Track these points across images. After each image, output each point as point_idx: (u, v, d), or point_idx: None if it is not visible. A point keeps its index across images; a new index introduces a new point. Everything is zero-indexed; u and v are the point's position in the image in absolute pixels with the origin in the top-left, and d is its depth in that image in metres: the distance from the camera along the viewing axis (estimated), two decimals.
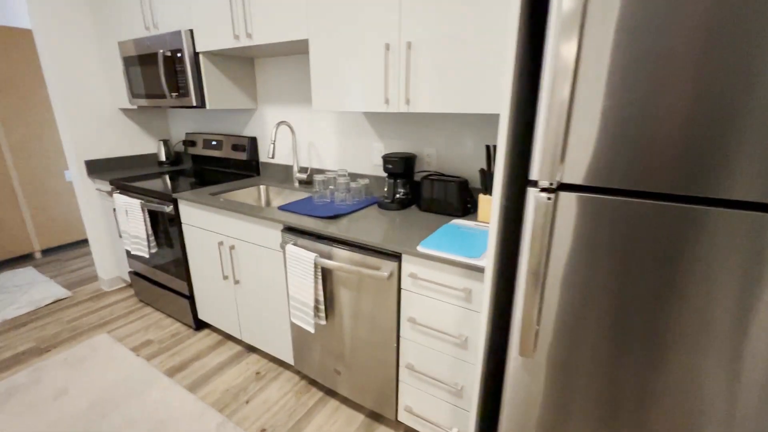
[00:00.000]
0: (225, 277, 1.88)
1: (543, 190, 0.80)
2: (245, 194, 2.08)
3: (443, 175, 1.63)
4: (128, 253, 2.39)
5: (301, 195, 2.03)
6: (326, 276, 1.46)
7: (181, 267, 2.06)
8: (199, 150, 2.56)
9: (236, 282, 1.84)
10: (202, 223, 1.86)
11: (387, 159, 1.63)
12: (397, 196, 1.67)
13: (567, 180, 0.78)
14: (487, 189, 1.44)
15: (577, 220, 0.80)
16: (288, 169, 2.25)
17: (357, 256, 1.35)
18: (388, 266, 1.27)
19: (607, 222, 0.77)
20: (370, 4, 1.32)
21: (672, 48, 0.65)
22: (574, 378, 0.89)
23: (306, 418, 1.60)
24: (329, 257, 1.41)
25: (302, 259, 1.41)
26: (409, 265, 1.24)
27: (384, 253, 1.29)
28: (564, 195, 0.79)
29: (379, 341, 1.40)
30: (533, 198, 0.81)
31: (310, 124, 2.08)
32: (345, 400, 1.69)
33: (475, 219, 1.51)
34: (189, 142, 2.61)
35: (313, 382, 1.80)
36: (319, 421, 1.58)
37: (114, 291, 2.66)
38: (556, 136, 0.75)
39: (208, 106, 1.99)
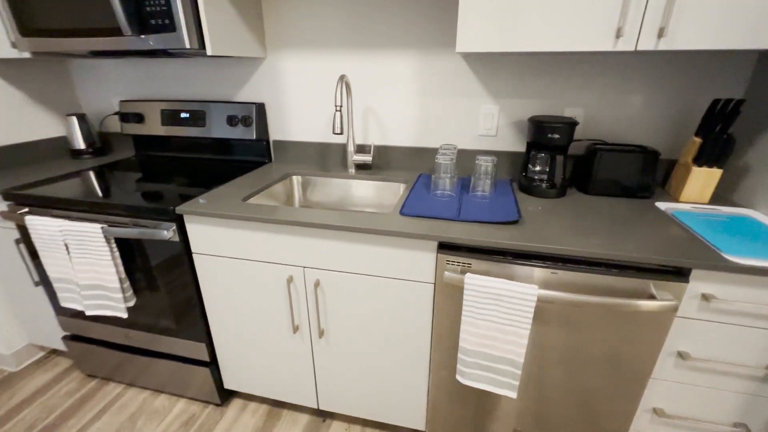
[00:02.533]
0: (296, 329, 1.19)
1: None
2: (269, 195, 1.34)
3: (617, 144, 1.21)
4: (60, 308, 1.42)
5: (368, 185, 1.40)
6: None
7: (188, 321, 1.27)
8: (151, 127, 1.62)
9: (321, 334, 1.18)
10: (239, 250, 1.12)
11: (548, 125, 1.13)
12: (552, 176, 1.21)
13: None
14: (706, 160, 1.08)
15: None
16: (319, 148, 1.55)
17: (591, 277, 0.88)
18: (664, 290, 0.84)
19: None
20: None
21: None
22: None
23: None
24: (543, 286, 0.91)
25: (505, 296, 0.88)
26: (701, 283, 0.83)
27: (660, 272, 0.85)
28: None
29: (613, 388, 0.99)
30: None
31: (371, 81, 1.41)
32: None
33: (673, 200, 1.15)
34: (129, 116, 1.63)
35: None
36: None
37: (30, 368, 1.63)
38: None
39: (209, 51, 1.16)
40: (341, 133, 1.23)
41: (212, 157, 1.63)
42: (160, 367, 1.41)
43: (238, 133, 1.53)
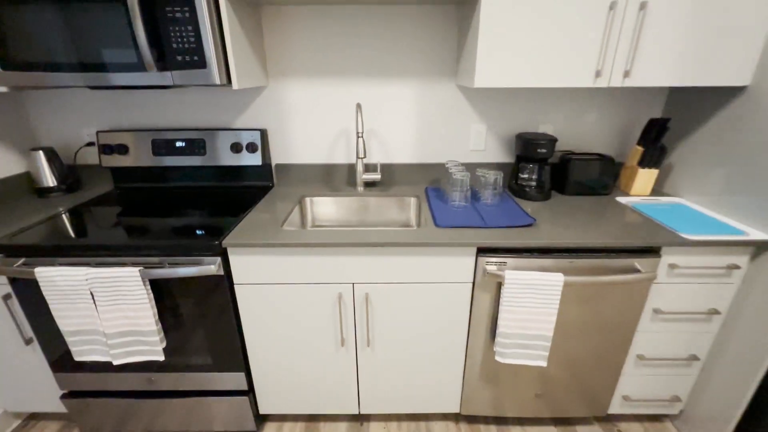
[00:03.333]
0: (342, 343, 1.28)
1: None
2: (291, 221, 1.40)
3: (582, 154, 1.52)
4: (58, 365, 1.29)
5: (381, 201, 1.53)
6: None
7: (227, 354, 1.27)
8: (139, 158, 1.53)
9: (368, 344, 1.28)
10: (283, 276, 1.17)
11: (535, 142, 1.39)
12: (541, 183, 1.47)
13: None
14: (647, 163, 1.44)
15: None
16: (322, 169, 1.63)
17: (593, 260, 1.15)
18: (649, 264, 1.14)
19: None
20: None
21: None
22: None
23: None
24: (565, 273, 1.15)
25: (539, 285, 1.10)
26: (669, 257, 1.15)
27: (639, 252, 1.14)
28: None
29: (609, 344, 1.27)
30: None
31: (374, 106, 1.54)
32: (523, 421, 1.50)
33: (625, 195, 1.50)
34: (110, 148, 1.52)
35: (473, 420, 1.50)
36: None
37: None
38: None
39: (235, 86, 1.19)
40: (364, 157, 1.34)
41: (213, 185, 1.60)
42: (184, 405, 1.36)
43: (242, 159, 1.53)
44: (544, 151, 1.40)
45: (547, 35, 1.12)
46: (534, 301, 1.12)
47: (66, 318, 1.13)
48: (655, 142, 1.42)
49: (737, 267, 1.15)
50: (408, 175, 1.64)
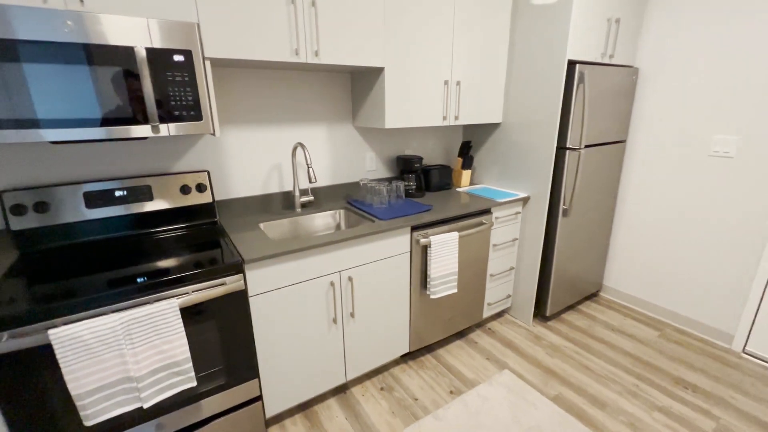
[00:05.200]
0: (333, 322, 1.66)
1: (573, 149, 2.09)
2: (262, 236, 1.69)
3: (432, 165, 2.41)
4: None
5: (314, 216, 1.99)
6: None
7: (241, 365, 1.44)
8: (65, 215, 1.44)
9: (351, 316, 1.71)
10: (292, 277, 1.50)
11: (412, 161, 2.18)
12: (419, 186, 2.27)
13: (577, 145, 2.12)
14: (465, 167, 2.45)
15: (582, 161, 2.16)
16: (260, 199, 1.93)
17: (468, 222, 2.00)
18: (489, 218, 2.07)
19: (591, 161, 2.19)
20: (431, 54, 1.88)
21: None
22: (576, 219, 2.32)
23: (458, 374, 2.04)
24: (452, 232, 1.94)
25: (448, 242, 1.85)
26: (495, 213, 2.12)
27: (484, 212, 2.06)
28: (583, 151, 2.13)
29: (479, 271, 2.16)
30: (567, 156, 2.08)
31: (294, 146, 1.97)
32: (447, 341, 2.22)
33: (457, 187, 2.48)
34: (23, 208, 1.37)
35: (412, 356, 2.11)
36: (463, 360, 2.08)
37: None
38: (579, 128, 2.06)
39: (218, 134, 1.43)
40: (315, 182, 1.77)
41: (161, 229, 1.62)
42: None
43: (192, 199, 1.66)
44: (418, 165, 2.20)
45: (420, 96, 1.91)
46: (447, 251, 1.86)
47: (85, 377, 1.09)
48: (467, 154, 2.45)
49: (519, 212, 2.24)
50: (328, 194, 2.13)
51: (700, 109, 2.10)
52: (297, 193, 1.93)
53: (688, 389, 1.86)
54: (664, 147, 2.29)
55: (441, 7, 1.86)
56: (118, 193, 1.51)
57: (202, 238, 1.55)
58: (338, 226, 2.04)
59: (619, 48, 2.17)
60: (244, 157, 1.84)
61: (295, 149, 1.87)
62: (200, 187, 1.67)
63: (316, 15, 1.51)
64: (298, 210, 1.95)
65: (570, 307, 2.61)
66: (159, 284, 1.20)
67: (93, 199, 1.47)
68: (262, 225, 1.80)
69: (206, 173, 1.69)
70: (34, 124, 1.10)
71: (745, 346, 2.12)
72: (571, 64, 1.95)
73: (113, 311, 1.12)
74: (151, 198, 1.57)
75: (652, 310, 2.50)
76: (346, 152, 2.15)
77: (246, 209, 1.89)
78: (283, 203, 2.00)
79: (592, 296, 2.77)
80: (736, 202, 2.03)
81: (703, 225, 2.18)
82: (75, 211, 1.44)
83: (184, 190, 1.64)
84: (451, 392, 1.86)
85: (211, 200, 1.71)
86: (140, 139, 1.30)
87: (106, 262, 1.33)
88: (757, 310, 2.04)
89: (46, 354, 1.07)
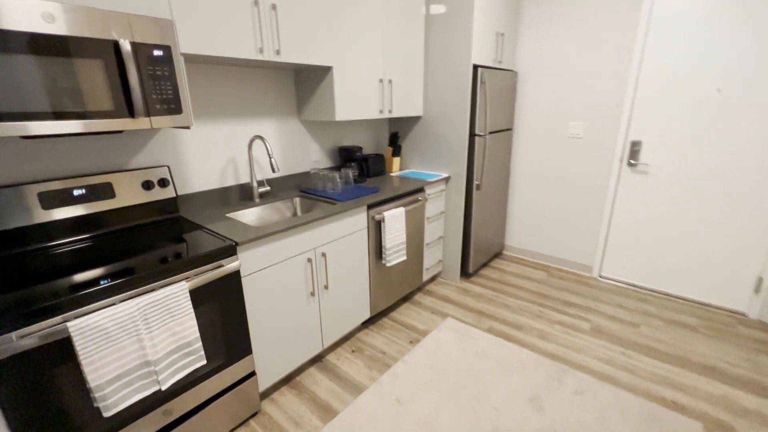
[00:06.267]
0: (311, 294, 1.84)
1: (480, 135, 2.62)
2: (239, 224, 1.79)
3: (369, 154, 2.71)
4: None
5: (273, 204, 2.12)
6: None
7: (237, 342, 1.54)
8: (16, 218, 1.33)
9: (325, 288, 1.91)
10: (276, 256, 1.65)
11: (353, 151, 2.45)
12: (362, 172, 2.54)
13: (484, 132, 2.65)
14: (395, 154, 2.81)
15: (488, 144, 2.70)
16: (218, 192, 1.98)
17: (408, 199, 2.37)
18: (423, 195, 2.47)
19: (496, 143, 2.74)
20: (368, 56, 2.17)
21: None
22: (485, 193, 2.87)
23: (412, 328, 2.39)
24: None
25: (398, 216, 2.18)
26: (428, 188, 2.53)
27: (419, 191, 2.45)
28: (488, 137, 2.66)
29: (419, 241, 2.55)
30: (477, 141, 2.61)
31: (250, 138, 2.06)
32: (397, 305, 2.55)
33: (390, 172, 2.84)
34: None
35: (372, 321, 2.40)
36: (413, 317, 2.44)
37: None
38: (484, 119, 2.59)
39: (192, 126, 1.49)
40: (279, 171, 1.91)
41: (125, 227, 1.57)
42: (202, 419, 1.47)
43: (155, 195, 1.65)
44: (359, 154, 2.48)
45: (362, 92, 2.18)
46: (398, 224, 2.19)
47: (104, 367, 1.10)
48: (396, 143, 2.82)
49: (443, 189, 2.70)
50: (281, 184, 2.26)
51: (560, 103, 2.85)
52: (255, 185, 2.03)
53: (570, 307, 2.57)
54: (538, 132, 3.01)
55: (375, 18, 2.16)
56: (77, 192, 1.44)
57: (181, 231, 1.57)
58: (294, 213, 2.20)
59: (505, 56, 2.79)
60: (201, 152, 1.86)
61: (251, 142, 1.96)
62: (163, 182, 1.67)
63: (277, 17, 1.67)
64: (257, 200, 2.05)
65: (484, 265, 3.22)
66: (170, 269, 1.25)
67: (49, 200, 1.37)
68: (230, 215, 1.86)
69: (167, 168, 1.69)
70: (12, 117, 1.05)
71: (600, 272, 2.97)
72: (475, 68, 2.46)
73: (129, 298, 1.15)
74: (113, 195, 1.52)
75: (540, 258, 3.26)
76: (294, 145, 2.30)
77: (206, 203, 1.92)
78: (241, 195, 2.06)
79: (499, 254, 3.44)
80: (587, 166, 2.83)
81: (569, 185, 2.96)
82: (26, 215, 1.34)
83: (147, 185, 1.62)
84: (411, 342, 2.21)
85: (174, 195, 1.71)
86: (116, 132, 1.30)
87: (92, 260, 1.29)
88: (605, 245, 2.89)
89: (53, 351, 1.06)
